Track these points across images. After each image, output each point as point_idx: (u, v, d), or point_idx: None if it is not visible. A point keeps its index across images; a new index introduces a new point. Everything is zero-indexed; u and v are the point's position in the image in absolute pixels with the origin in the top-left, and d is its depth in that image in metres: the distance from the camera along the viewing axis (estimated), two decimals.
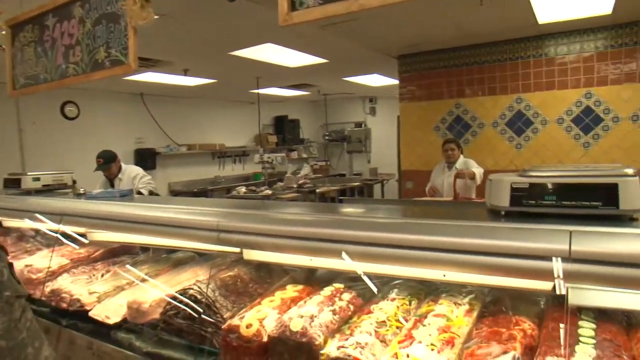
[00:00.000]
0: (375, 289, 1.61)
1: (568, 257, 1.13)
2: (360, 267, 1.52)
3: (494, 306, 1.51)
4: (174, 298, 1.75)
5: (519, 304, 1.48)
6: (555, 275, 1.16)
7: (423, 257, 1.33)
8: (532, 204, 1.37)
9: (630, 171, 1.29)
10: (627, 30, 4.28)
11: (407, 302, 1.64)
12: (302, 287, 1.79)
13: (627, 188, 1.26)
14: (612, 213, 1.27)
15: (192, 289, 1.75)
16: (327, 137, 9.70)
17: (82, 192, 2.51)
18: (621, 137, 4.38)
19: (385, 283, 1.79)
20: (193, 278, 1.96)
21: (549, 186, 1.36)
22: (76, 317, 1.91)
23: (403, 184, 5.51)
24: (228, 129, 8.73)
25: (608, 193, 1.28)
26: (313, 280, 1.88)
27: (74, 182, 2.77)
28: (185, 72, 5.35)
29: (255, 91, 6.73)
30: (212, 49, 4.49)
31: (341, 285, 1.76)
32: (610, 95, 4.39)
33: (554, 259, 1.16)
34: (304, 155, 10.35)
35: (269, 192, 6.11)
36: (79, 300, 1.94)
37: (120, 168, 3.76)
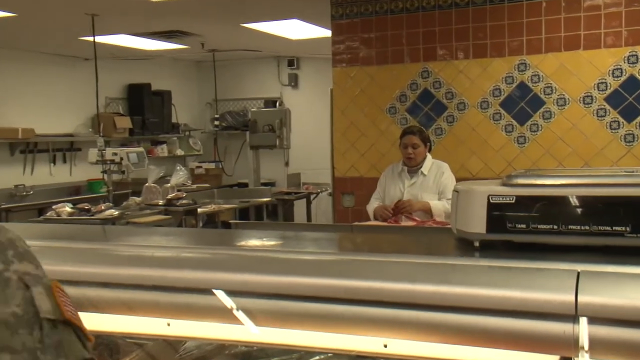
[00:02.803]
0: None
1: (574, 314, 1.17)
2: (248, 334, 1.50)
3: None
4: None
5: None
6: (558, 345, 1.21)
7: (351, 316, 1.34)
8: (521, 230, 1.43)
9: None
10: None
11: None
12: None
13: None
14: None
15: None
16: (217, 123, 9.62)
17: None
18: None
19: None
20: None
21: (547, 201, 1.42)
22: None
23: (338, 199, 5.56)
24: (42, 104, 8.38)
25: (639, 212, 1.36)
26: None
27: None
28: None
29: (90, 39, 6.49)
30: None
31: None
32: None
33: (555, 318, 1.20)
34: (179, 152, 10.19)
35: (114, 212, 5.90)
36: None
37: None
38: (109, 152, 6.49)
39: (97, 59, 7.86)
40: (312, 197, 8.49)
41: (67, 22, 6.32)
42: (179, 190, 6.95)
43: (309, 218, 8.45)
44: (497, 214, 1.45)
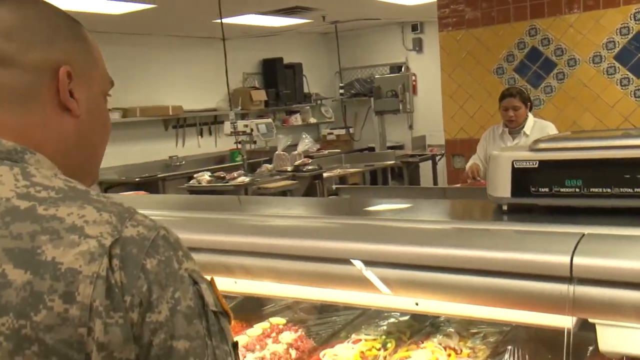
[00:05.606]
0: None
1: (570, 277, 1.18)
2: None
3: (511, 355, 1.61)
4: None
5: (550, 352, 1.56)
6: (558, 305, 1.22)
7: (380, 277, 1.40)
8: (543, 193, 1.44)
9: None
10: None
11: (378, 345, 1.74)
12: (232, 324, 1.96)
13: None
14: None
15: None
16: (342, 91, 9.74)
17: None
18: None
19: (372, 317, 1.92)
20: None
21: (569, 164, 1.42)
22: None
23: (449, 161, 5.52)
24: (186, 83, 8.89)
25: None
26: (258, 313, 2.07)
27: None
28: None
29: (217, 21, 6.79)
30: None
31: (282, 321, 1.88)
32: None
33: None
34: (312, 120, 10.43)
35: (245, 179, 6.23)
36: None
37: None
38: (240, 125, 6.81)
39: (234, 38, 8.25)
40: (437, 158, 8.42)
41: (199, 7, 6.64)
42: (306, 157, 7.18)
43: (434, 179, 8.39)
44: (520, 178, 1.47)
